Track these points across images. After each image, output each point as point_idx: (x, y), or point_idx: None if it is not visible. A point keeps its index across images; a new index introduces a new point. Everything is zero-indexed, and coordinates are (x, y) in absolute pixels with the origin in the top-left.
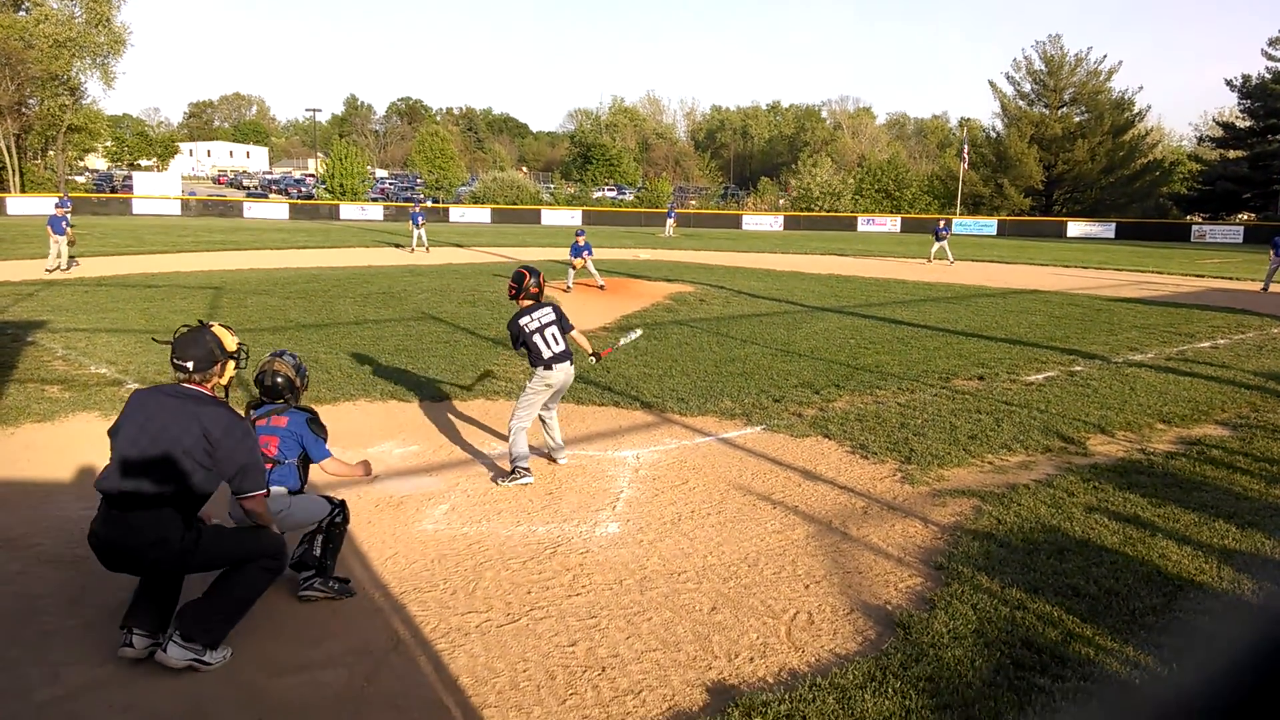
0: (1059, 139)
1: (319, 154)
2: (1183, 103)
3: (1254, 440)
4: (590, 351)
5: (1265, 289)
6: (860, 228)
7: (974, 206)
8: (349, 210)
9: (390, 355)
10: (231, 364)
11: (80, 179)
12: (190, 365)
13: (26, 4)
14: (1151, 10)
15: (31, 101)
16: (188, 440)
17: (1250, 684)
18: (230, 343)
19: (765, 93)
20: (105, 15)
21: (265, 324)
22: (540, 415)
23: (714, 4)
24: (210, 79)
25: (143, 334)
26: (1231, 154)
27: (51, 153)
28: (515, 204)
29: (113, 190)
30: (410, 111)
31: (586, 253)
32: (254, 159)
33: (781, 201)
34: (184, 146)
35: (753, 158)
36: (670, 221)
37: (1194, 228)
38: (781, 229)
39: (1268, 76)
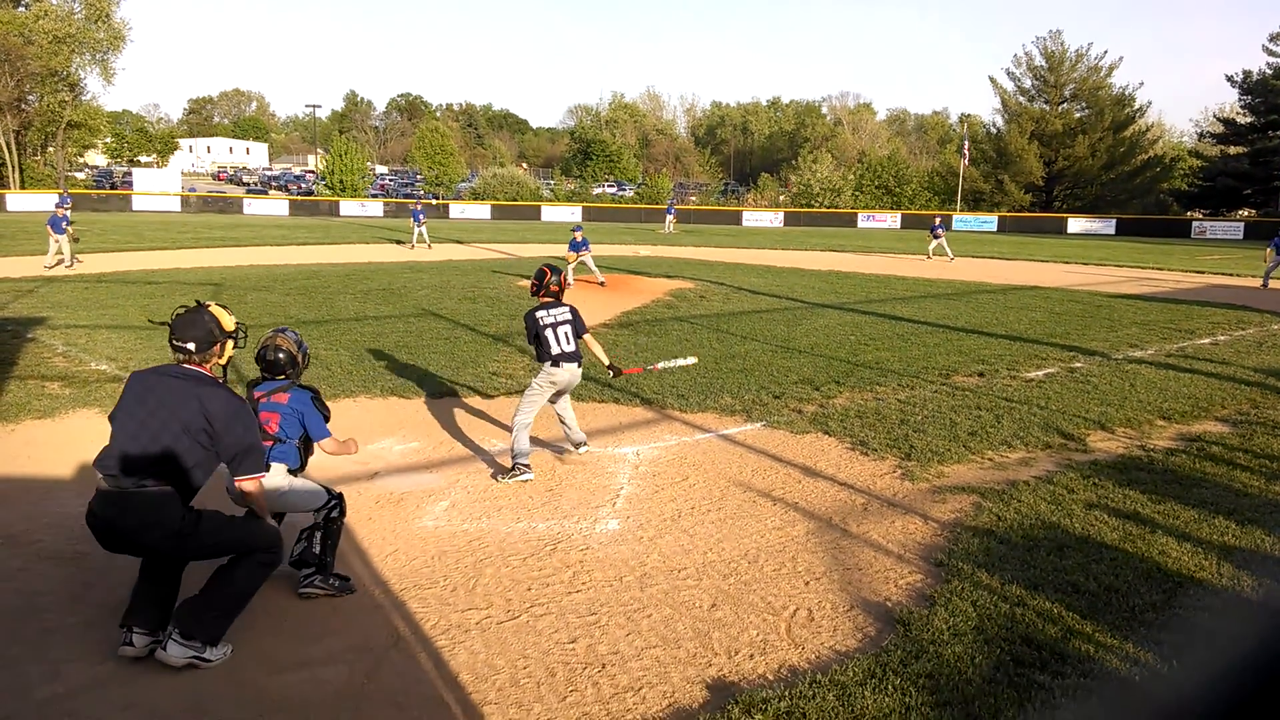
0: (1059, 135)
1: (319, 150)
2: (1183, 98)
3: (1254, 437)
4: (607, 364)
5: (1265, 285)
6: (860, 224)
7: (974, 203)
8: (349, 206)
9: (390, 352)
10: (230, 344)
11: (80, 175)
12: (191, 346)
13: (26, 0)
14: (1152, 5)
15: (31, 98)
16: (188, 420)
17: (1251, 682)
18: (228, 322)
19: (765, 88)
20: (105, 11)
21: (265, 320)
22: (556, 412)
23: (715, 0)
24: (210, 75)
25: (143, 330)
26: (1232, 150)
27: (51, 149)
28: (515, 200)
29: (112, 186)
30: (410, 107)
31: (584, 248)
32: (254, 155)
33: (782, 198)
34: (184, 143)
35: (753, 154)
36: (670, 218)
37: (1194, 224)
38: (782, 225)
39: (1269, 72)
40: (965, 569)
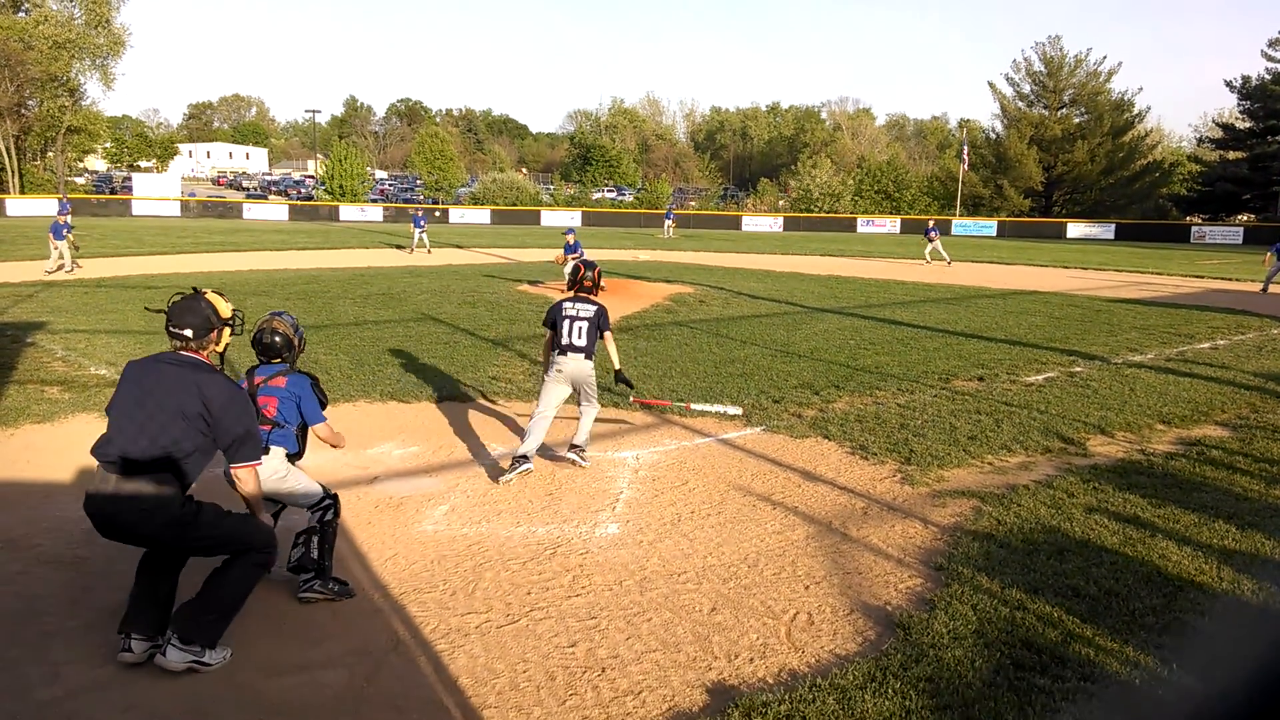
0: (1058, 140)
1: (318, 155)
2: (1182, 104)
3: (1254, 441)
4: (616, 368)
5: (1264, 290)
6: (860, 229)
7: (974, 208)
8: (349, 211)
9: (390, 356)
10: (227, 331)
11: (80, 180)
12: (188, 333)
13: (26, 5)
14: (1151, 11)
15: (31, 103)
16: (187, 406)
17: (1254, 686)
18: (225, 309)
19: (764, 94)
20: (105, 16)
21: None
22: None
23: (714, 5)
24: (210, 80)
25: (142, 334)
26: (1231, 155)
27: (51, 154)
28: (515, 205)
29: (112, 191)
30: (410, 113)
31: (575, 252)
32: (253, 160)
33: (781, 203)
34: (183, 148)
35: (752, 159)
36: (669, 223)
37: (1193, 229)
38: (781, 230)
39: (1267, 78)
40: (965, 573)
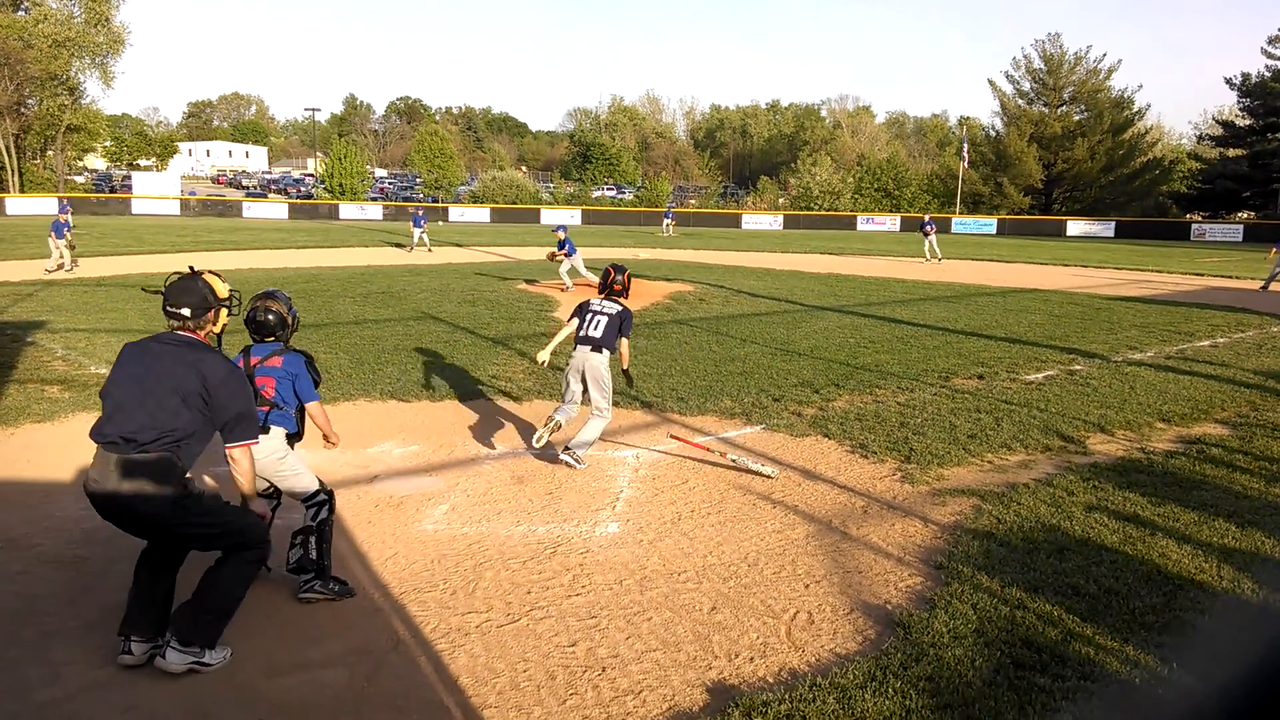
0: (1058, 138)
1: (318, 153)
2: (1182, 101)
3: (1254, 439)
4: (624, 368)
5: (1264, 288)
6: (860, 227)
7: (974, 205)
8: (348, 210)
9: (390, 355)
10: (224, 311)
11: (79, 179)
12: (186, 312)
13: (25, 4)
14: (1151, 8)
15: (30, 101)
16: (186, 385)
17: (1253, 685)
18: (222, 290)
19: (764, 92)
20: (104, 15)
21: None
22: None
23: (713, 3)
24: (209, 79)
25: (142, 334)
26: (1231, 152)
27: (50, 153)
28: (515, 204)
29: (112, 190)
30: (409, 111)
31: (564, 249)
32: (253, 159)
33: (781, 201)
34: (183, 146)
35: (752, 157)
36: (668, 221)
37: (1194, 226)
38: (781, 228)
39: (1267, 75)
40: (965, 572)
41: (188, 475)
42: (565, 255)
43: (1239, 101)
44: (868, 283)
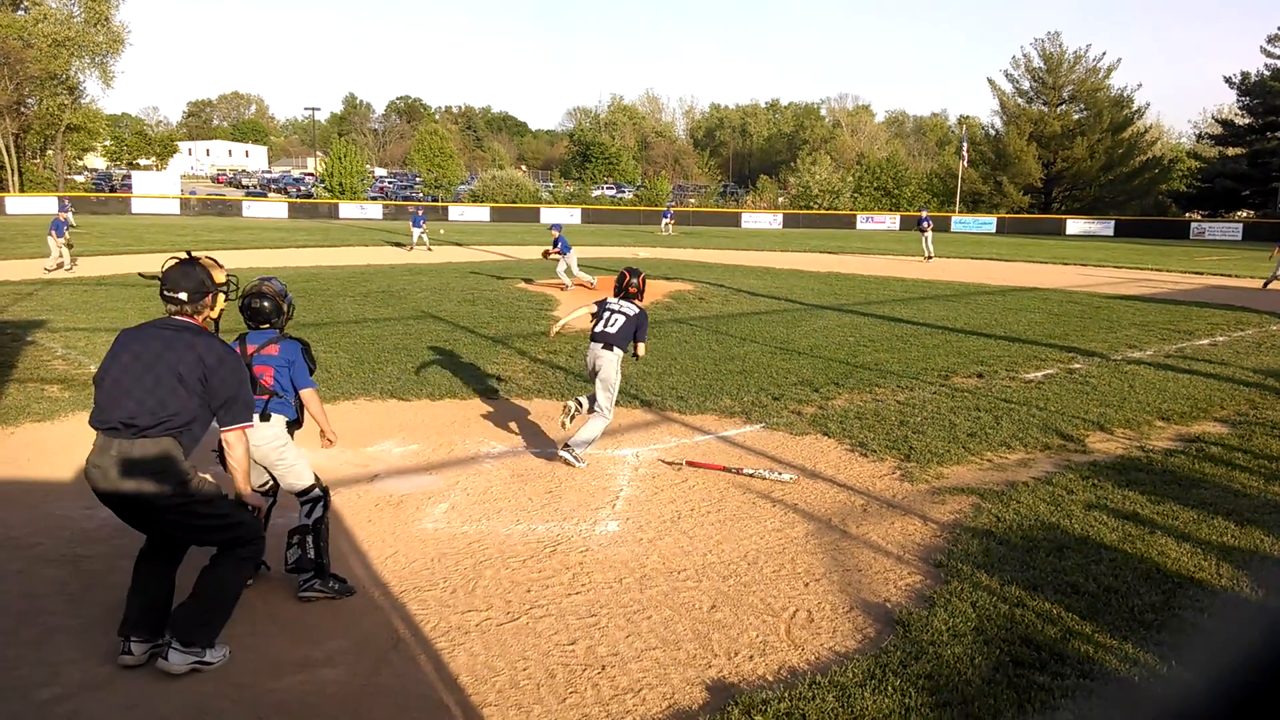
0: (1058, 136)
1: (318, 153)
2: (1182, 100)
3: (1253, 437)
4: (641, 354)
5: (1265, 286)
6: (859, 226)
7: (973, 204)
8: (348, 209)
9: (390, 354)
10: (221, 296)
11: (79, 178)
12: (184, 296)
13: (25, 3)
14: (1150, 7)
15: (30, 101)
16: (185, 370)
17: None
18: (219, 275)
19: (764, 91)
20: (104, 14)
21: None
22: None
23: (713, 2)
24: (209, 78)
25: None
26: (1230, 151)
27: (50, 152)
28: (514, 203)
29: (111, 190)
30: (409, 110)
31: (558, 246)
32: (253, 158)
33: (781, 199)
34: (183, 146)
35: (752, 156)
36: (667, 220)
37: (1193, 225)
38: (781, 227)
39: (1267, 74)
40: (965, 570)
41: (190, 462)
42: (559, 253)
43: (1238, 100)
44: (867, 281)
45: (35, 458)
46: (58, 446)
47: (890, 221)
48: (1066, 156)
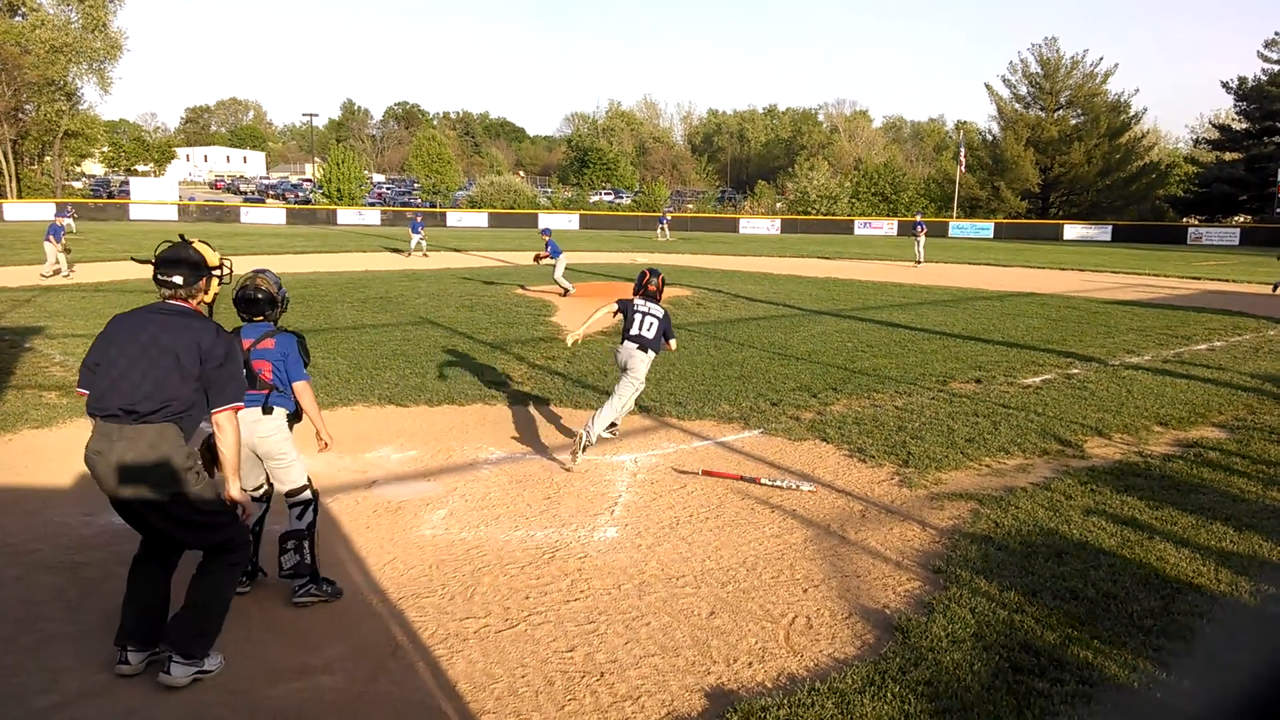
0: (1055, 142)
1: (316, 159)
2: (1179, 105)
3: (1251, 442)
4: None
5: (1276, 290)
6: (857, 231)
7: (971, 209)
8: (346, 215)
9: (388, 360)
10: (215, 280)
11: (77, 184)
12: (178, 279)
13: (23, 9)
14: (1147, 12)
15: (28, 107)
16: (183, 354)
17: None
18: (213, 258)
19: (761, 96)
20: (102, 21)
21: None
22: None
23: (710, 8)
24: (207, 84)
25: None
26: (1227, 156)
27: (48, 158)
28: (513, 208)
29: (109, 196)
30: (407, 116)
31: (548, 250)
32: (251, 164)
33: (779, 205)
34: (181, 152)
35: (749, 161)
36: (663, 225)
37: (1190, 230)
38: (779, 232)
39: (1263, 79)
40: (963, 576)
41: (189, 448)
42: (549, 257)
43: (1235, 105)
44: (865, 287)
45: (33, 464)
46: (55, 453)
47: (888, 227)
48: (1064, 162)
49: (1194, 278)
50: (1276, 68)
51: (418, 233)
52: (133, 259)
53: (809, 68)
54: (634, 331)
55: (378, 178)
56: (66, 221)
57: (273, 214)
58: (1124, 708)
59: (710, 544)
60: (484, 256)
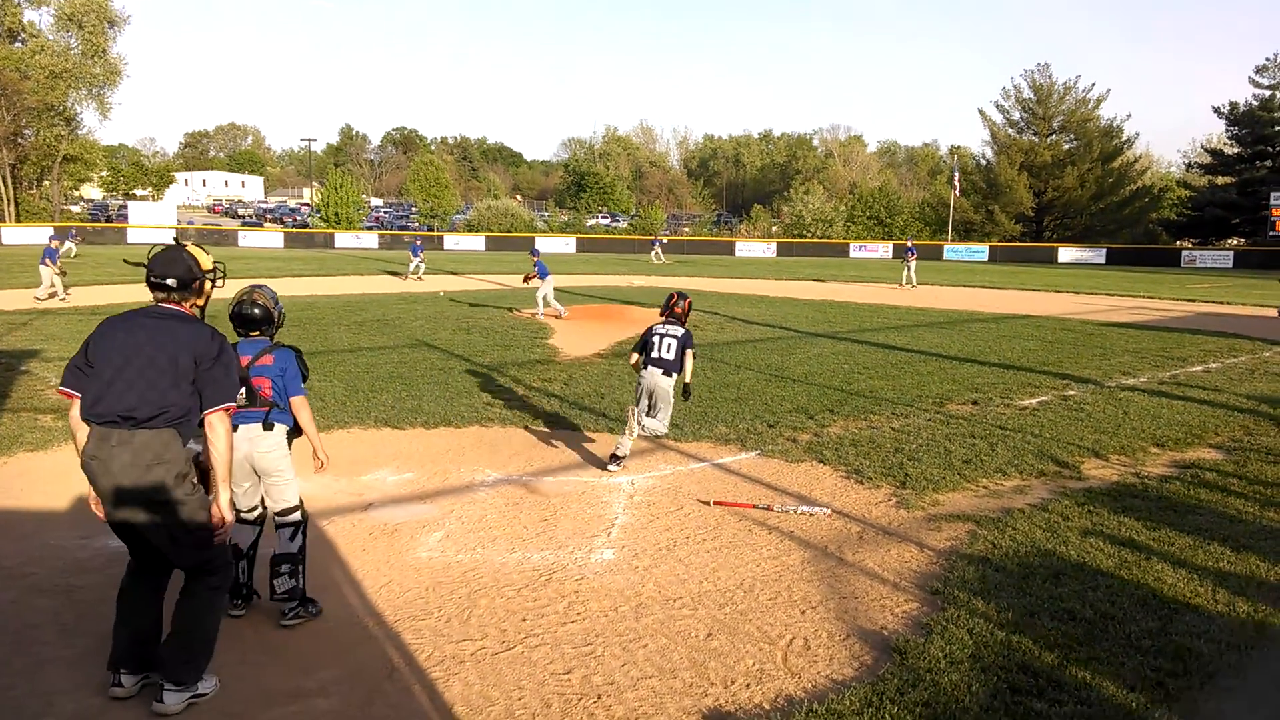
0: (1049, 166)
1: (314, 183)
2: (1171, 130)
3: (1247, 463)
4: (688, 380)
5: None
6: (852, 254)
7: (965, 233)
8: (344, 239)
9: (384, 382)
10: (209, 284)
11: (75, 209)
12: (172, 282)
13: (23, 35)
14: (1139, 38)
15: (27, 132)
16: (178, 359)
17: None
18: (206, 261)
19: (757, 121)
20: (101, 46)
21: None
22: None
23: (706, 34)
24: (206, 109)
25: None
26: (1220, 180)
27: (47, 183)
28: (509, 232)
29: (108, 220)
30: (405, 141)
31: (536, 270)
32: (249, 188)
33: (774, 228)
34: (179, 176)
35: (745, 185)
36: (657, 249)
37: (1184, 253)
38: (774, 255)
39: (1254, 104)
40: (961, 597)
41: (188, 452)
42: (538, 278)
43: (1227, 130)
44: (861, 309)
45: (28, 487)
46: (51, 476)
47: (883, 250)
48: (1057, 186)
49: (1188, 300)
50: (1267, 93)
51: (417, 256)
52: (125, 261)
53: (804, 93)
54: (655, 355)
55: (375, 202)
56: (69, 245)
57: (271, 238)
58: None
59: (707, 566)
60: (481, 280)
